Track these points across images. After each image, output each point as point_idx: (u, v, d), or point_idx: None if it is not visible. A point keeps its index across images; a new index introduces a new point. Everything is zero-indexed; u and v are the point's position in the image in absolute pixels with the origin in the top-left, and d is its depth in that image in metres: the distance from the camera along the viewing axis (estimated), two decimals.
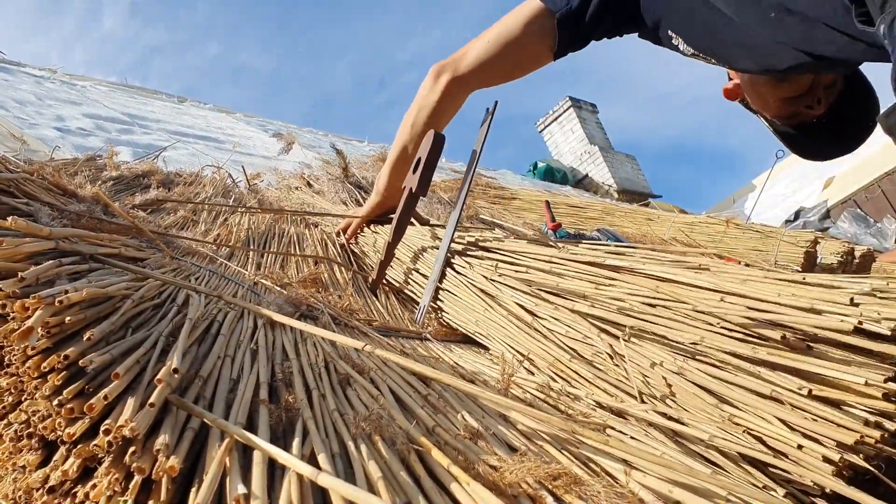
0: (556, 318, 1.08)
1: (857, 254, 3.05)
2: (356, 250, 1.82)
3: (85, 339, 0.63)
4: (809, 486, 0.71)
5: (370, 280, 1.62)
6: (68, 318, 0.65)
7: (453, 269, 1.37)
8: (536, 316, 1.11)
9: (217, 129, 4.77)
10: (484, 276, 1.27)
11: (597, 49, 1.47)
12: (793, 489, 0.72)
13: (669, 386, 0.88)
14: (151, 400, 0.55)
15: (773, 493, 0.70)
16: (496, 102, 1.51)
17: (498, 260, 1.29)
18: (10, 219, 0.76)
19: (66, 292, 0.67)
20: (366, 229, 1.82)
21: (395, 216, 1.56)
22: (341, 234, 1.88)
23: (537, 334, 1.08)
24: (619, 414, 0.85)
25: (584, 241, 1.34)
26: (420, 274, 1.50)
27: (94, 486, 0.54)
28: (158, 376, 0.59)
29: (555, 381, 0.99)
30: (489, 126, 1.54)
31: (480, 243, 1.38)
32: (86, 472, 0.57)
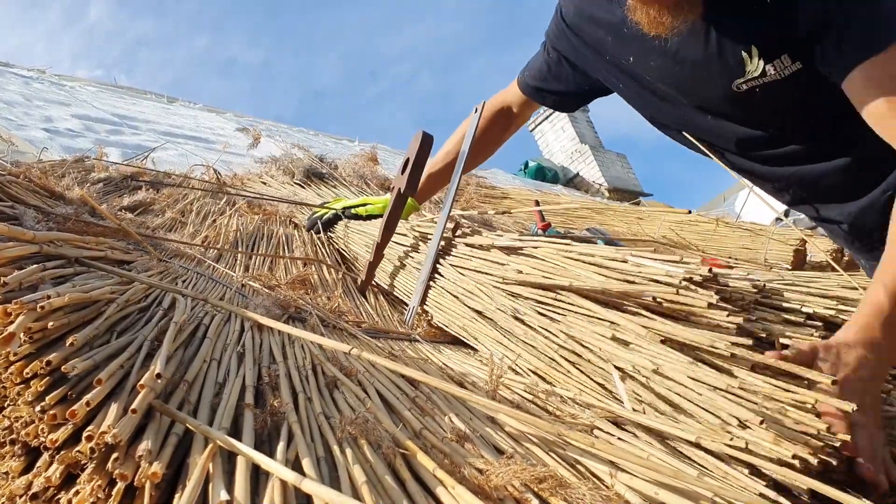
0: (540, 314, 1.08)
1: (847, 252, 3.06)
2: (346, 255, 1.82)
3: (67, 344, 0.62)
4: (795, 486, 0.71)
5: (359, 281, 1.62)
6: (51, 324, 0.64)
7: (441, 270, 1.37)
8: (523, 322, 1.11)
9: (207, 129, 4.75)
10: (471, 277, 1.27)
11: None
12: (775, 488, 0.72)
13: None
14: (133, 406, 0.55)
15: (758, 493, 0.70)
16: (483, 102, 1.51)
17: (483, 259, 1.29)
18: None
19: (49, 297, 0.66)
20: (351, 229, 1.82)
21: (383, 217, 1.56)
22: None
23: (523, 334, 1.08)
24: (608, 415, 0.85)
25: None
26: (409, 275, 1.50)
27: (77, 492, 0.54)
28: (141, 382, 0.59)
29: (543, 381, 0.99)
30: (477, 126, 1.53)
31: (467, 243, 1.38)
32: (69, 479, 0.56)
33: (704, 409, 0.79)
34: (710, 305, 0.87)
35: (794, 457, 0.67)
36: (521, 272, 1.15)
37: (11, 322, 0.61)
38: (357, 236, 1.79)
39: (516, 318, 1.11)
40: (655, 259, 0.99)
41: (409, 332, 1.33)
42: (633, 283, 0.98)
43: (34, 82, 4.42)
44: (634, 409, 0.84)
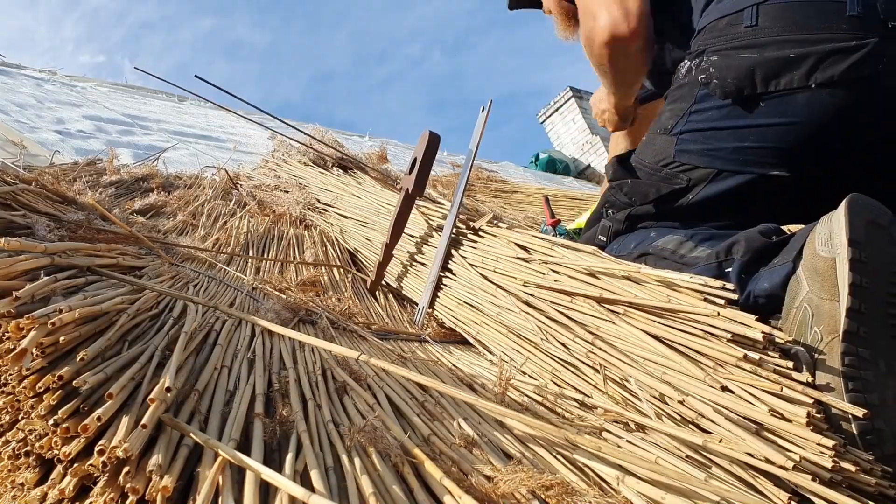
0: (549, 317, 1.08)
1: None
2: (359, 258, 1.82)
3: (78, 359, 0.63)
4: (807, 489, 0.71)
5: (369, 282, 1.63)
6: (62, 338, 0.65)
7: (449, 270, 1.37)
8: (535, 318, 1.11)
9: (218, 128, 4.77)
10: (483, 276, 1.27)
11: None
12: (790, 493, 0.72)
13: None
14: (144, 421, 0.56)
15: (769, 497, 0.70)
16: (490, 101, 1.51)
17: (495, 257, 1.29)
18: (2, 240, 0.76)
19: (61, 311, 0.67)
20: (361, 228, 1.82)
21: (392, 216, 1.56)
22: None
23: (534, 335, 1.09)
24: (616, 419, 0.85)
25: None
26: (418, 275, 1.50)
27: None
28: (151, 396, 0.60)
29: (553, 384, 0.99)
30: (485, 124, 1.53)
31: (474, 241, 1.38)
32: (83, 491, 0.57)
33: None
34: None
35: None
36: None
37: (24, 337, 0.62)
38: (361, 232, 1.79)
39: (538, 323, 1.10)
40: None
41: (419, 332, 1.34)
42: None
43: (46, 83, 4.45)
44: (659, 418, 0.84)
